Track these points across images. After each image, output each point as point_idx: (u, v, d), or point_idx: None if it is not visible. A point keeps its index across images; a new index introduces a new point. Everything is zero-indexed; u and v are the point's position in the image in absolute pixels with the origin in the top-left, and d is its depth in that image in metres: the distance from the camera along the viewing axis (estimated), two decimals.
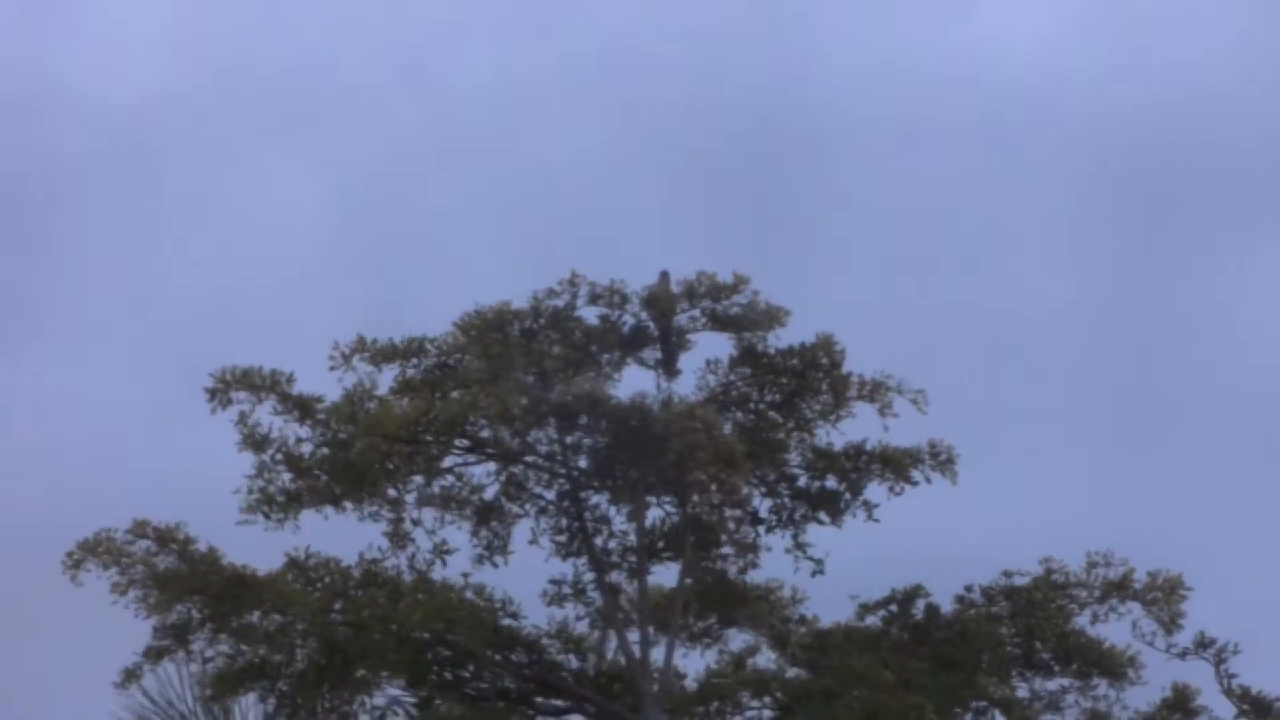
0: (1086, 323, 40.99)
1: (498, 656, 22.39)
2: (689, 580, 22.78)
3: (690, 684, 23.30)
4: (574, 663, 23.03)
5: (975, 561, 23.15)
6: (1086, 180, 43.69)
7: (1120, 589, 22.14)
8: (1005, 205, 43.56)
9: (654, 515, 22.84)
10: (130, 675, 21.74)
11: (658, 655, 22.38)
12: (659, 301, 22.51)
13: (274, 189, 44.15)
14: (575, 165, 43.72)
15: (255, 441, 22.08)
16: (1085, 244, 43.03)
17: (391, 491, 22.42)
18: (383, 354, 22.65)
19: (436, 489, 22.59)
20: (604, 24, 46.49)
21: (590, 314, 22.73)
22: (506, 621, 22.61)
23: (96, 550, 21.41)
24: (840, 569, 22.77)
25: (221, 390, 21.91)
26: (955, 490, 22.47)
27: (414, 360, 22.78)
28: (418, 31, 46.39)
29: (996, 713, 22.58)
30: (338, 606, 21.92)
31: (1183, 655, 22.26)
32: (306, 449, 22.17)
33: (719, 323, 22.60)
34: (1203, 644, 22.26)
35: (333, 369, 22.52)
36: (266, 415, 22.15)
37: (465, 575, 22.38)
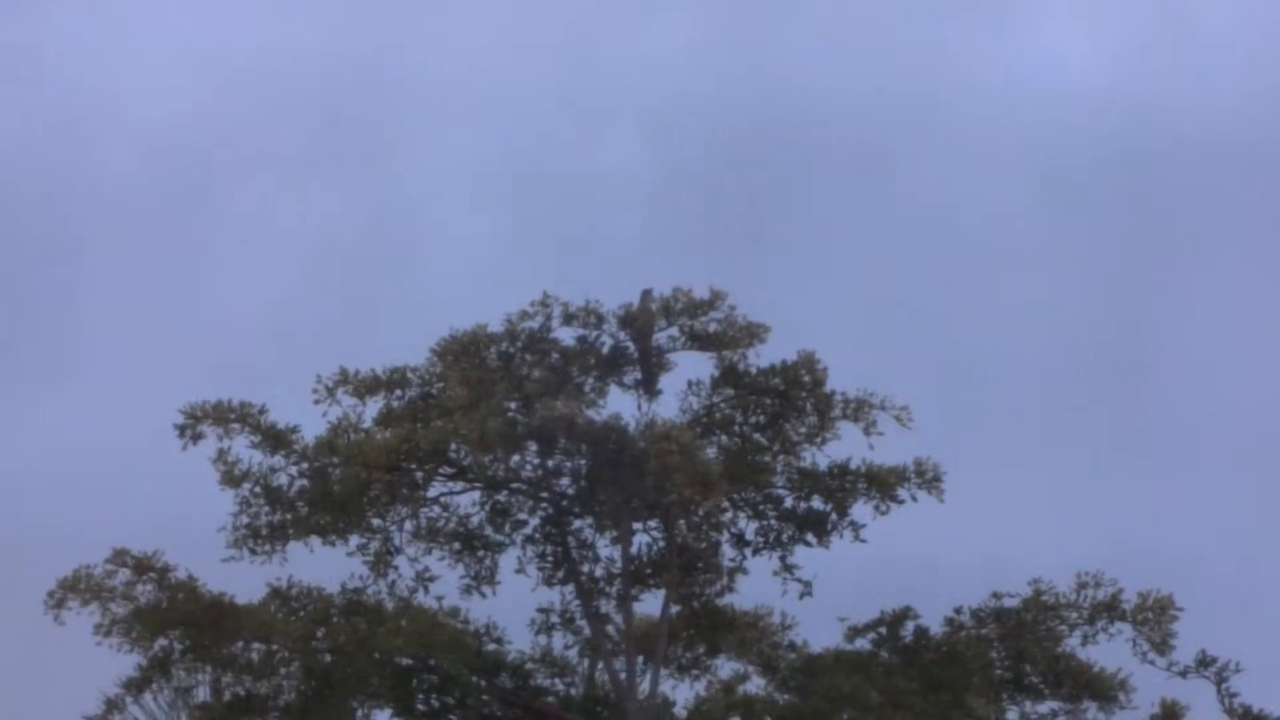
0: (1081, 342, 40.15)
1: (482, 682, 22.33)
2: (675, 607, 22.52)
3: (680, 712, 23.04)
4: (560, 687, 22.88)
5: (966, 582, 22.67)
6: (1086, 199, 42.86)
7: (1110, 610, 21.59)
8: (1007, 223, 42.84)
9: (639, 541, 22.60)
10: (112, 706, 21.98)
11: (645, 681, 22.22)
12: (637, 320, 22.26)
13: (321, 210, 44.50)
14: (611, 183, 43.62)
15: (233, 478, 22.15)
16: (1080, 262, 42.21)
17: (375, 521, 22.44)
18: (366, 386, 22.58)
19: (423, 520, 22.53)
20: (647, 44, 46.31)
21: (568, 335, 22.56)
22: (491, 647, 22.55)
23: (77, 587, 21.62)
24: (830, 591, 22.39)
25: (191, 425, 22.01)
26: (944, 510, 22.04)
27: (397, 391, 22.71)
28: (464, 53, 46.54)
29: None
30: (320, 634, 21.92)
31: (1184, 674, 21.70)
32: (283, 479, 22.20)
33: (698, 341, 22.32)
34: (1204, 663, 21.69)
35: (316, 402, 22.53)
36: (243, 450, 22.24)
37: (439, 599, 22.30)
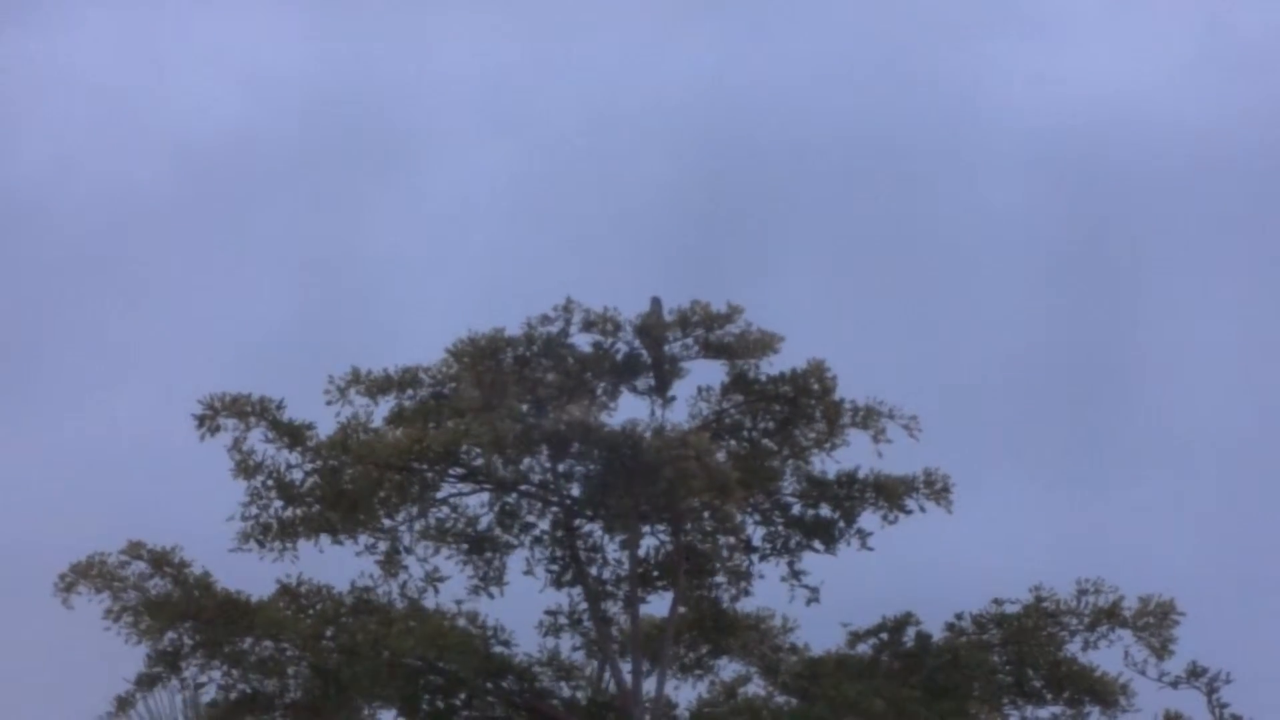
0: (1071, 356, 41.18)
1: (489, 684, 22.45)
2: (682, 609, 22.82)
3: (682, 713, 23.30)
4: (566, 691, 23.03)
5: (967, 589, 23.19)
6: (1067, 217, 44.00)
7: (1110, 616, 22.16)
8: (1002, 238, 43.81)
9: (648, 544, 22.96)
10: (123, 703, 21.78)
11: (650, 684, 22.48)
12: (651, 329, 22.63)
13: (359, 228, 44.26)
14: (635, 196, 43.83)
15: (247, 469, 22.15)
16: (1075, 277, 43.26)
17: (386, 520, 22.49)
18: (378, 385, 22.74)
19: (431, 520, 22.63)
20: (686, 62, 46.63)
21: (583, 341, 22.86)
22: (498, 649, 22.67)
23: (89, 573, 21.49)
24: (831, 596, 22.84)
25: (209, 417, 21.98)
26: (947, 518, 22.56)
27: (409, 391, 22.86)
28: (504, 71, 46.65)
29: None
30: (329, 633, 21.98)
31: (1175, 684, 22.20)
32: (297, 475, 22.22)
33: (712, 350, 22.71)
34: (1195, 673, 22.19)
35: (329, 404, 22.60)
36: (258, 443, 22.23)
37: (459, 603, 22.49)
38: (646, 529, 22.75)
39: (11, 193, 43.84)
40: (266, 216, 44.70)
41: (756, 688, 23.46)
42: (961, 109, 45.54)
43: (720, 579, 22.94)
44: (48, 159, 44.86)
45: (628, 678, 22.31)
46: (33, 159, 44.80)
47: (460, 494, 22.82)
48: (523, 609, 23.02)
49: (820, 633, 23.12)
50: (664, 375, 22.81)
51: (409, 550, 22.53)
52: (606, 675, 23.02)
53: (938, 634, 22.78)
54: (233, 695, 22.04)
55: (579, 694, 23.05)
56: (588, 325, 22.61)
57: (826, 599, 22.79)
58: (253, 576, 22.16)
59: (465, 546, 22.77)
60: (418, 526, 22.56)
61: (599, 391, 22.77)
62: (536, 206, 44.34)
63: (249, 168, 45.36)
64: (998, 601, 22.73)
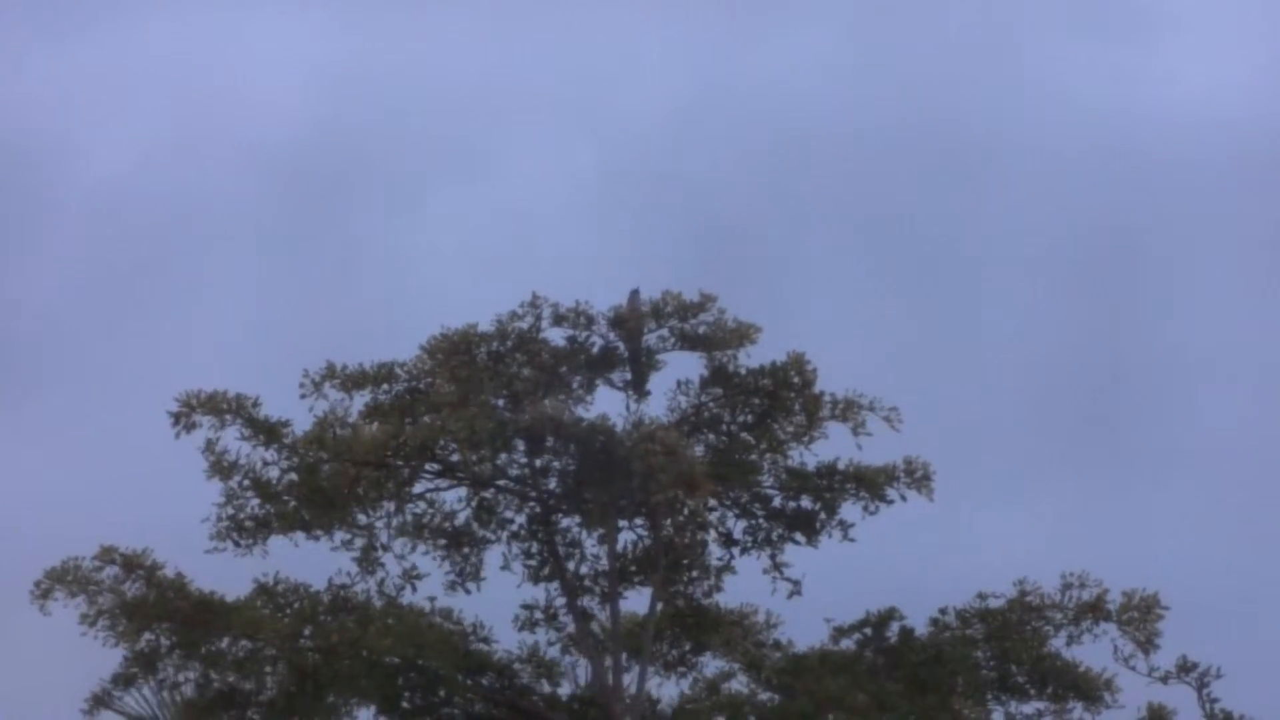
0: (1062, 348, 40.66)
1: (468, 681, 22.34)
2: (661, 605, 22.62)
3: (665, 710, 23.11)
4: (546, 687, 22.91)
5: (951, 584, 22.88)
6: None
7: (1094, 610, 21.81)
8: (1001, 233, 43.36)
9: (626, 539, 22.73)
10: (98, 701, 21.85)
11: (629, 679, 22.32)
12: (626, 321, 22.42)
13: (436, 228, 44.27)
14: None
15: (222, 468, 22.07)
16: (1068, 271, 42.77)
17: (362, 517, 22.38)
18: (353, 380, 22.62)
19: (409, 516, 22.50)
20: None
21: (558, 336, 22.67)
22: (477, 646, 22.56)
23: (64, 579, 21.51)
24: (814, 592, 22.58)
25: (185, 414, 21.90)
26: (931, 514, 22.26)
27: (385, 386, 22.73)
28: (582, 70, 46.54)
29: None
30: (307, 632, 21.88)
31: (1165, 679, 21.83)
32: (274, 473, 22.13)
33: (688, 342, 22.48)
34: (1185, 668, 21.80)
35: (303, 397, 22.51)
36: (233, 441, 22.15)
37: (432, 599, 22.35)
38: (624, 524, 22.54)
39: (90, 194, 44.18)
40: (339, 217, 44.73)
41: (739, 685, 23.24)
42: (1022, 110, 45.09)
43: (695, 573, 22.68)
44: (127, 162, 45.14)
45: (608, 674, 22.18)
46: (113, 161, 45.11)
47: (437, 489, 22.69)
48: (501, 606, 22.91)
49: (804, 629, 22.92)
50: (640, 368, 22.60)
51: (386, 548, 22.40)
52: (588, 671, 22.93)
53: (921, 629, 22.53)
54: (209, 694, 22.05)
55: (560, 690, 22.95)
56: (558, 320, 22.41)
57: (810, 595, 22.57)
58: (229, 576, 22.11)
59: (443, 542, 22.63)
60: (395, 522, 22.45)
61: (575, 386, 22.56)
62: (606, 206, 44.17)
63: (323, 168, 45.34)
64: (982, 596, 22.44)
